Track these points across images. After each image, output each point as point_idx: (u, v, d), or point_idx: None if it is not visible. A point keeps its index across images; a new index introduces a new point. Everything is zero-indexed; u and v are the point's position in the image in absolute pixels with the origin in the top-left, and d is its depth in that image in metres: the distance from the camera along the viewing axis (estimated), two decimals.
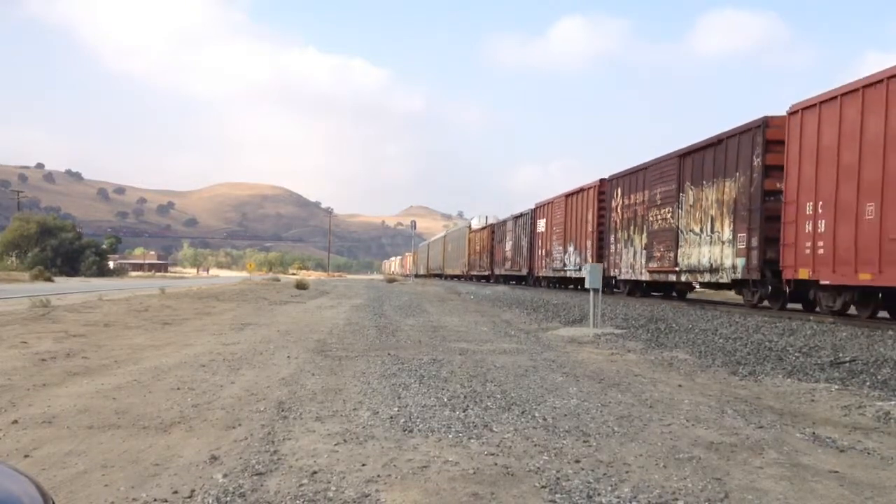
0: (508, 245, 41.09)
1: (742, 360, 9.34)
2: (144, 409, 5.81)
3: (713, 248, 17.88)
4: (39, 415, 5.57)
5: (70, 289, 36.86)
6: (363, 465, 4.32)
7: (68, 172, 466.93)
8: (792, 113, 14.78)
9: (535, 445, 4.82)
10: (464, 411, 5.88)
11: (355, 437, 4.97)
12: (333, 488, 3.86)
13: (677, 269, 19.86)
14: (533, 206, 36.21)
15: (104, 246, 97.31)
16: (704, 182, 18.50)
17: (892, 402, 6.50)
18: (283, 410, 5.85)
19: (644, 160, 21.89)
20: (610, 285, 25.67)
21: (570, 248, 29.51)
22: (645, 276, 22.44)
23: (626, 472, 4.23)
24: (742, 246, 16.34)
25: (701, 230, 18.62)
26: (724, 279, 17.42)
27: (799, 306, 15.40)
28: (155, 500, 3.68)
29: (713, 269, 17.82)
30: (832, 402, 6.67)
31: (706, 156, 18.53)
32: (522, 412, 5.88)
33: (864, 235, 12.40)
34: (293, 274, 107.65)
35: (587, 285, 14.19)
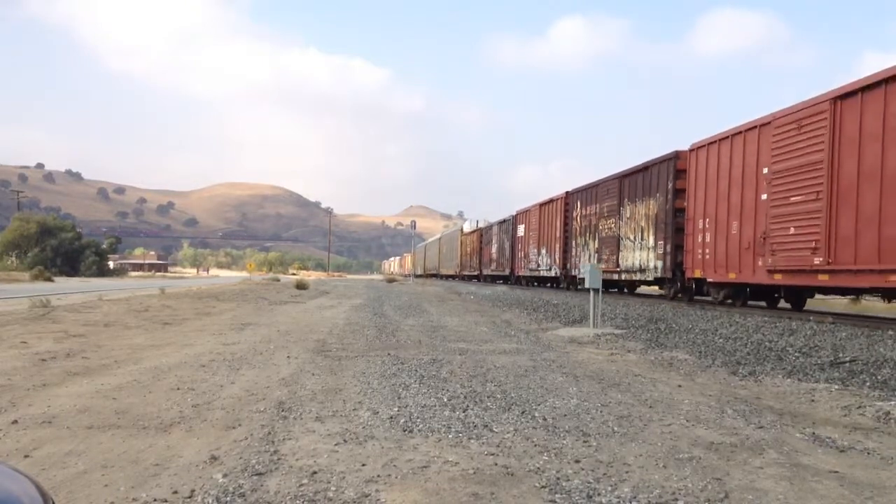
0: (494, 248, 45.03)
1: (742, 360, 9.34)
2: (144, 409, 5.81)
3: (642, 252, 22.03)
4: (39, 415, 5.57)
5: (70, 289, 36.86)
6: (363, 465, 4.32)
7: (68, 172, 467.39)
8: (691, 150, 19.24)
9: (535, 445, 4.82)
10: (464, 411, 5.88)
11: (355, 437, 4.97)
12: (333, 488, 3.86)
13: (619, 269, 23.92)
14: (515, 213, 40.23)
15: (104, 246, 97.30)
16: (637, 199, 22.64)
17: (892, 403, 6.50)
18: (283, 410, 5.85)
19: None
20: (573, 282, 29.58)
21: (543, 251, 33.53)
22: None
23: (626, 472, 4.23)
24: (661, 251, 20.66)
25: (634, 238, 22.72)
26: (649, 277, 21.77)
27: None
28: (155, 500, 3.68)
29: (642, 270, 22.01)
30: (832, 403, 6.67)
31: (638, 179, 22.65)
32: (522, 412, 5.88)
33: (731, 245, 16.94)
34: (293, 274, 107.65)
35: (586, 285, 14.19)
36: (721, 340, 11.23)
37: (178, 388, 6.79)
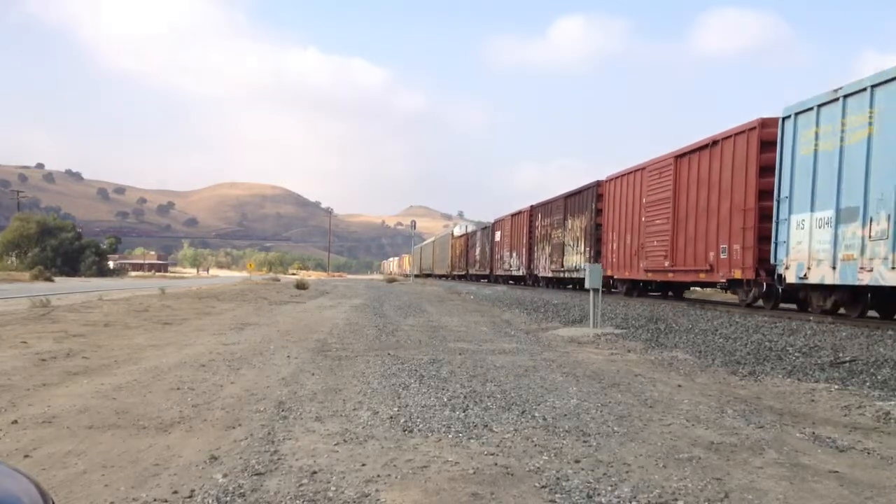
0: (477, 250, 51.36)
1: (742, 360, 9.34)
2: (144, 409, 5.81)
3: (577, 256, 28.43)
4: (39, 415, 5.57)
5: (70, 289, 36.86)
6: (363, 465, 4.32)
7: (68, 172, 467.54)
8: (606, 180, 25.77)
9: (535, 445, 4.82)
10: (464, 411, 5.88)
11: (355, 437, 4.97)
12: (333, 488, 3.86)
13: (563, 269, 30.20)
14: (493, 221, 46.61)
15: (104, 246, 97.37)
16: (575, 215, 29.12)
17: (892, 402, 6.51)
18: (282, 410, 5.85)
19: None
20: (536, 280, 36.04)
21: (514, 254, 39.74)
22: (549, 274, 32.56)
23: (626, 472, 4.23)
24: (588, 256, 27.00)
25: (573, 245, 29.03)
26: (581, 276, 25.08)
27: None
28: (155, 500, 3.68)
29: (577, 269, 27.82)
30: (832, 402, 6.67)
31: (576, 199, 29.17)
32: (522, 412, 5.88)
33: (627, 252, 23.65)
34: (293, 274, 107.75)
35: (587, 285, 14.19)
36: (721, 340, 11.23)
37: (178, 388, 6.79)
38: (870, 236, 11.95)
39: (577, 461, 4.45)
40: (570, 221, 29.46)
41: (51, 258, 79.03)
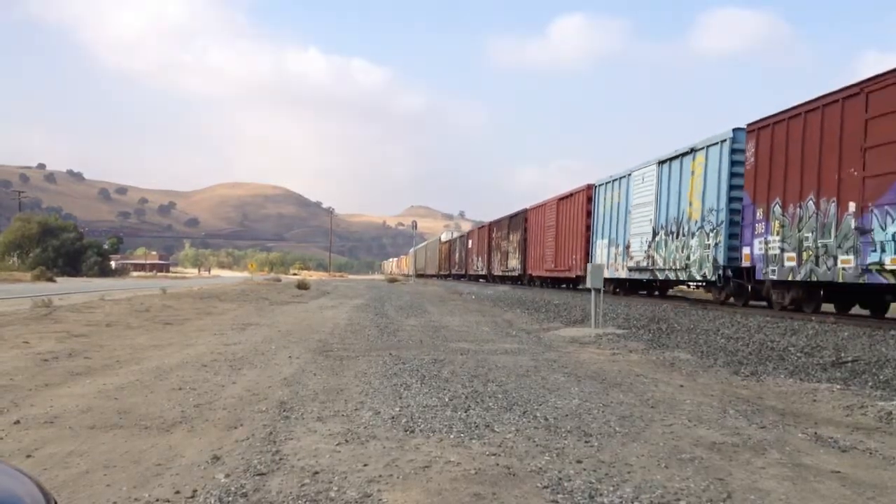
0: (457, 255, 61.34)
1: (744, 360, 9.33)
2: (146, 409, 5.82)
3: (514, 260, 38.72)
4: (42, 415, 5.57)
5: (72, 289, 36.88)
6: (365, 465, 4.32)
7: (70, 173, 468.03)
8: (529, 209, 35.82)
9: (537, 446, 4.82)
10: (465, 411, 5.88)
11: (357, 438, 4.97)
12: (335, 488, 3.86)
13: (508, 269, 40.34)
14: (466, 232, 60.52)
15: (106, 246, 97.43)
16: (513, 231, 39.40)
17: (894, 403, 6.50)
18: (284, 410, 5.85)
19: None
20: (493, 278, 45.90)
21: (479, 258, 49.98)
22: (500, 273, 42.70)
23: (629, 473, 4.23)
24: (519, 260, 37.42)
25: (513, 252, 39.27)
26: (515, 274, 38.60)
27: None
28: (157, 500, 3.68)
29: (513, 269, 38.99)
30: (834, 403, 6.67)
31: (513, 220, 39.73)
32: (524, 412, 5.88)
33: (538, 257, 33.78)
34: (294, 274, 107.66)
35: (588, 285, 14.20)
36: (723, 340, 11.22)
37: (180, 388, 6.80)
38: (618, 253, 24.18)
39: (580, 461, 4.45)
40: (510, 235, 40.02)
41: (52, 258, 79.05)
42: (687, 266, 19.10)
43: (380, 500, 3.71)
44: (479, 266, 49.78)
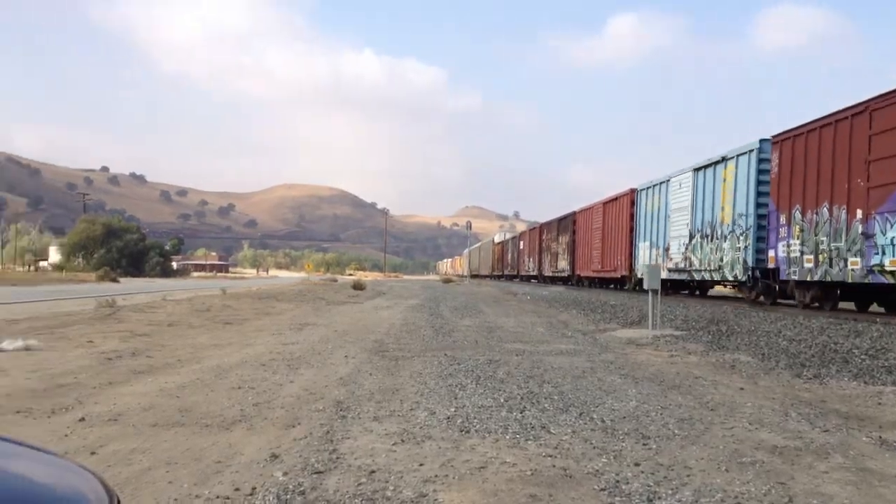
0: (509, 256, 63.20)
1: (806, 363, 9.12)
2: (207, 408, 5.92)
3: (563, 261, 39.99)
4: (105, 413, 5.70)
5: (135, 289, 37.73)
6: (421, 464, 4.33)
7: (132, 175, 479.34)
8: (578, 212, 36.92)
9: (594, 447, 4.78)
10: (521, 412, 5.86)
11: (413, 437, 4.99)
12: (391, 488, 3.88)
13: (557, 270, 41.58)
14: (518, 234, 61.83)
15: (167, 247, 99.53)
16: (562, 233, 40.67)
17: None
18: (341, 410, 5.90)
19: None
20: (545, 279, 46.52)
21: (531, 259, 51.11)
22: (550, 273, 43.85)
23: (688, 476, 4.17)
24: (568, 261, 38.60)
25: (561, 253, 40.59)
26: (565, 274, 39.66)
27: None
28: (217, 496, 3.74)
29: (562, 270, 40.23)
30: None
31: (562, 223, 40.90)
32: (580, 414, 5.84)
33: (588, 258, 34.06)
34: (350, 274, 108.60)
35: (645, 286, 14.02)
36: (784, 342, 10.98)
37: (240, 387, 6.90)
38: (658, 255, 24.87)
39: (637, 464, 4.39)
40: (559, 238, 41.36)
41: (116, 259, 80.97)
42: (720, 267, 20.03)
43: (436, 499, 3.72)
44: (530, 267, 51.06)
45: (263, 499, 3.71)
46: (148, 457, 4.48)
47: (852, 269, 13.66)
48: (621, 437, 5.07)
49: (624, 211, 28.57)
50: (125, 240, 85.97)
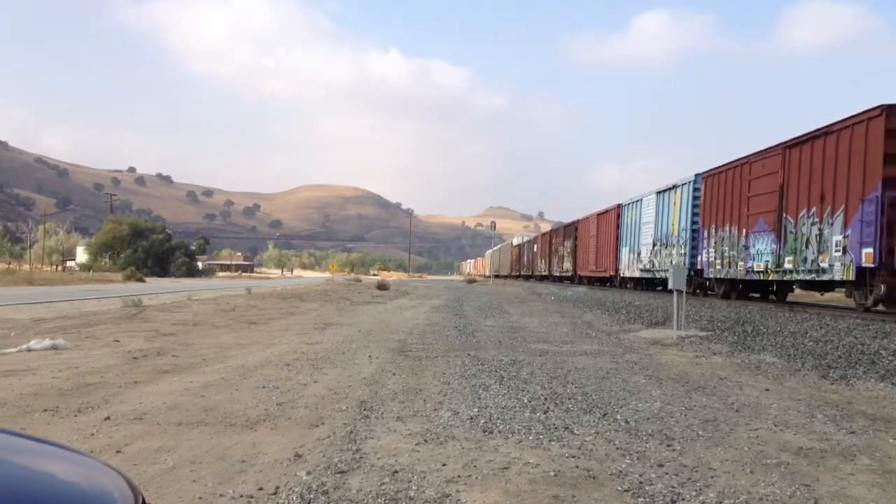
0: (525, 258, 68.44)
1: (833, 364, 9.02)
2: (231, 407, 5.96)
3: (568, 263, 44.33)
4: (131, 411, 5.76)
5: (160, 289, 38.08)
6: (444, 464, 4.34)
7: (159, 176, 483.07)
8: (580, 221, 41.61)
9: (617, 448, 4.76)
10: (544, 413, 5.85)
11: (436, 437, 5.00)
12: (414, 487, 3.89)
13: (563, 271, 46.08)
14: (533, 237, 67.13)
15: (193, 247, 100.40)
16: (567, 239, 44.98)
17: None
18: (364, 410, 5.92)
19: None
20: (555, 278, 50.59)
21: (543, 261, 55.72)
22: (558, 274, 48.28)
23: (712, 477, 4.14)
24: (571, 263, 43.26)
25: (567, 256, 44.80)
26: (568, 275, 44.67)
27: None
28: (241, 495, 3.77)
29: (567, 270, 44.51)
30: None
31: (565, 230, 46.29)
32: (604, 414, 5.82)
33: (586, 260, 38.86)
34: (374, 275, 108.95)
35: (670, 286, 13.93)
36: (811, 343, 10.86)
37: (264, 387, 6.95)
38: (634, 258, 29.86)
39: (661, 465, 4.38)
40: (565, 242, 46.01)
41: (142, 259, 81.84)
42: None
43: (458, 500, 3.73)
44: (542, 267, 56.70)
45: (287, 498, 3.73)
46: (173, 455, 4.52)
47: (740, 270, 19.44)
48: (645, 438, 5.05)
49: (612, 222, 34.18)
50: (151, 240, 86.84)
